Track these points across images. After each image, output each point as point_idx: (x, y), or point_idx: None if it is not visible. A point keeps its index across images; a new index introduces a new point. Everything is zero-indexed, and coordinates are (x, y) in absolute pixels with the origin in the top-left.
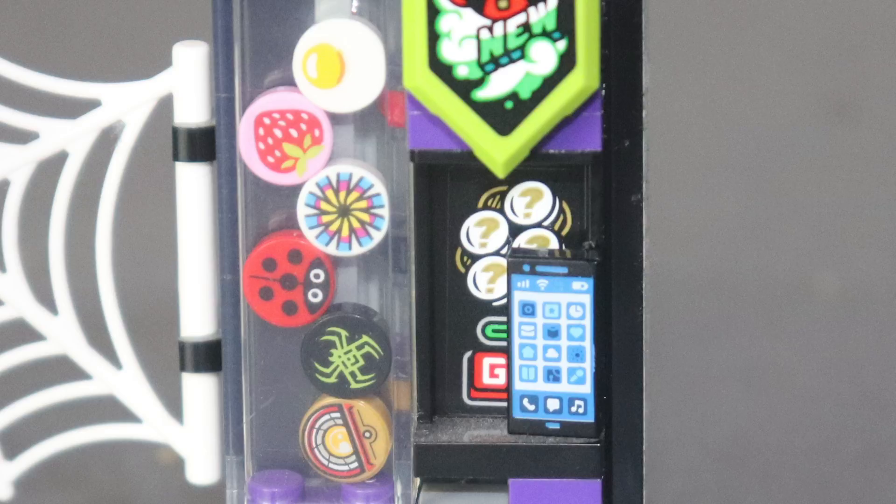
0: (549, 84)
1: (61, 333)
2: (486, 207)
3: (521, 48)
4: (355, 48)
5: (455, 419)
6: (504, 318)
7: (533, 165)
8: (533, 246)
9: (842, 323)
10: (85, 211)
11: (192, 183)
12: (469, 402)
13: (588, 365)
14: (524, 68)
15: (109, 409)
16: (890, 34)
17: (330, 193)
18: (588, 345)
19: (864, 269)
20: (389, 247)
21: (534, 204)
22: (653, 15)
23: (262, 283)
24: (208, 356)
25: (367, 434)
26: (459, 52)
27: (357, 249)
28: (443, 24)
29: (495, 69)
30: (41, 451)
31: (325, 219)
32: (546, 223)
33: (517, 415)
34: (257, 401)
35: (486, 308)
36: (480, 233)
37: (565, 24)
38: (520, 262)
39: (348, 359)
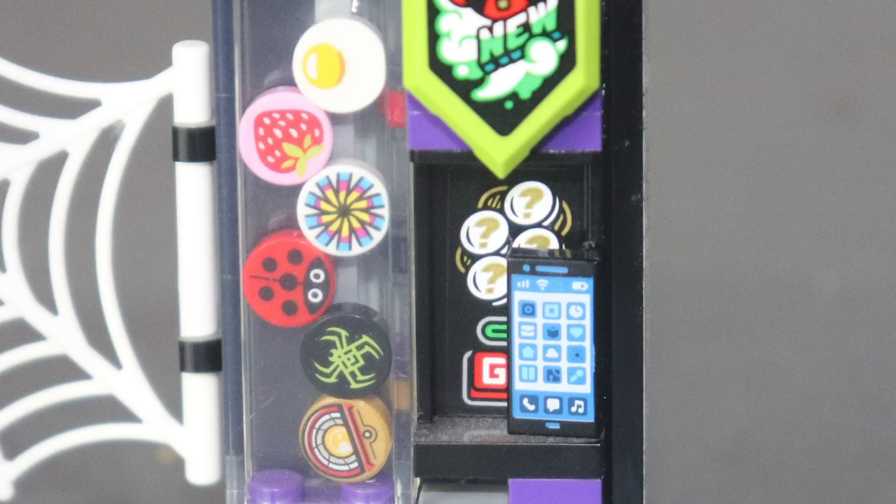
0: (549, 84)
1: (61, 333)
2: (486, 207)
3: (521, 48)
4: (355, 48)
5: (455, 419)
6: (504, 318)
7: (533, 165)
8: (533, 246)
9: (842, 323)
10: (85, 211)
11: (192, 183)
12: (469, 402)
13: (588, 365)
14: (524, 68)
15: (109, 409)
16: (890, 34)
17: (330, 193)
18: (588, 345)
19: (864, 269)
20: (389, 247)
21: (534, 204)
22: (653, 15)
23: (262, 283)
24: (208, 356)
25: (367, 434)
26: (459, 52)
27: (357, 249)
28: (443, 24)
29: (495, 69)
30: (41, 451)
31: (325, 219)
32: (546, 223)
33: (517, 415)
34: (257, 401)
35: (486, 308)
36: (480, 233)
37: (565, 24)
38: (520, 262)
39: (348, 359)
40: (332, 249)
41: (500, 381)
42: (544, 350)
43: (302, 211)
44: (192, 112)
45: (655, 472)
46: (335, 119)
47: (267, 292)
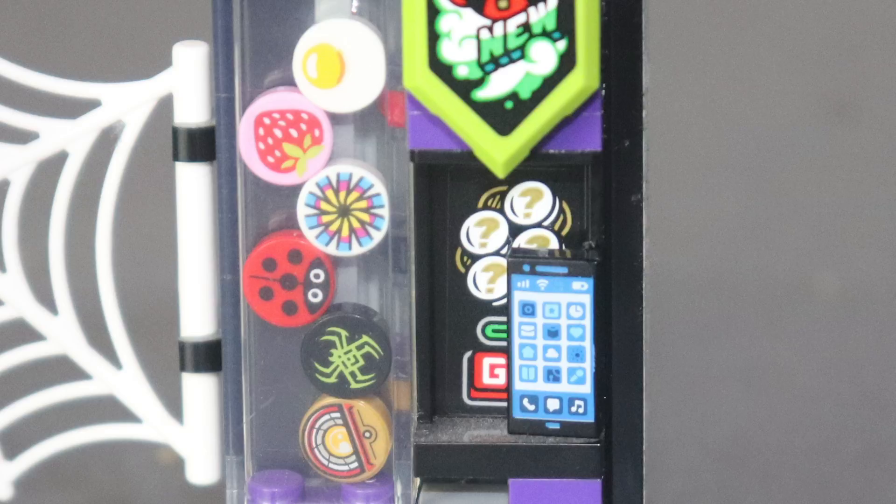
0: (549, 84)
1: (61, 333)
2: (486, 207)
3: (521, 48)
4: (355, 48)
5: (455, 419)
6: (504, 318)
7: (533, 165)
8: (533, 246)
9: (842, 323)
10: (85, 211)
11: (192, 183)
12: (469, 402)
13: (588, 365)
14: (524, 68)
15: (109, 409)
16: (890, 34)
17: (330, 193)
18: (588, 345)
19: (864, 269)
20: (389, 247)
21: (534, 204)
22: (653, 15)
23: (262, 283)
24: (208, 356)
25: (367, 434)
26: (459, 52)
27: (357, 249)
28: (443, 24)
29: (495, 69)
30: (41, 451)
31: (325, 219)
32: (546, 223)
33: (517, 415)
34: (257, 401)
35: (486, 308)
36: (480, 233)
37: (565, 24)
38: (520, 262)
39: (348, 359)
40: (332, 249)
41: (500, 381)
42: (544, 350)
43: (302, 211)
44: (192, 112)
45: (655, 472)
46: (335, 119)
47: (267, 292)
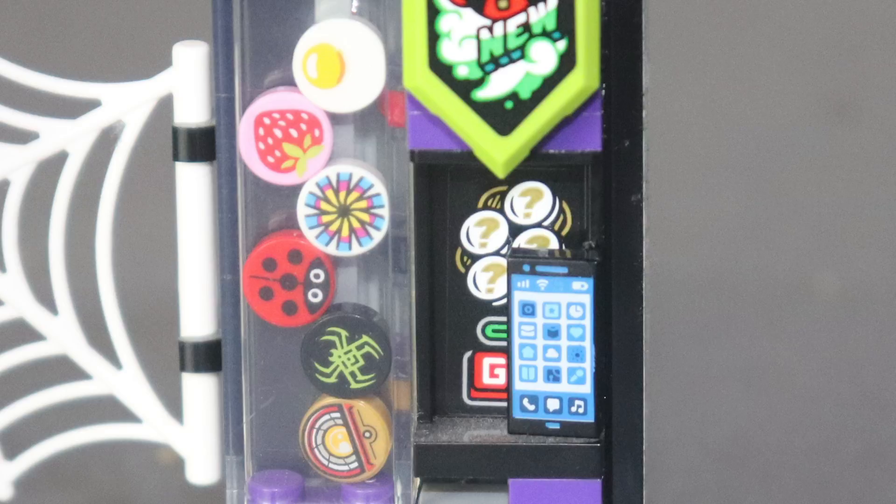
0: (549, 84)
1: (61, 333)
2: (486, 207)
3: (521, 48)
4: (355, 48)
5: (455, 419)
6: (504, 318)
7: (533, 165)
8: (533, 246)
9: (842, 323)
10: (85, 211)
11: (192, 183)
12: (469, 402)
13: (588, 365)
14: (524, 68)
15: (109, 409)
16: (890, 34)
17: (330, 193)
18: (588, 345)
19: (864, 269)
20: (389, 247)
21: (534, 204)
22: (653, 15)
23: (262, 283)
24: (208, 356)
25: (367, 434)
26: (459, 52)
27: (357, 249)
28: (443, 24)
29: (495, 69)
30: (41, 451)
31: (325, 219)
32: (546, 223)
33: (517, 415)
34: (257, 401)
35: (486, 308)
36: (480, 233)
37: (565, 24)
38: (520, 262)
39: (348, 359)
40: (332, 249)
41: (500, 381)
42: (544, 350)
43: (302, 211)
44: (192, 112)
45: (655, 472)
46: (335, 119)
47: (267, 292)
